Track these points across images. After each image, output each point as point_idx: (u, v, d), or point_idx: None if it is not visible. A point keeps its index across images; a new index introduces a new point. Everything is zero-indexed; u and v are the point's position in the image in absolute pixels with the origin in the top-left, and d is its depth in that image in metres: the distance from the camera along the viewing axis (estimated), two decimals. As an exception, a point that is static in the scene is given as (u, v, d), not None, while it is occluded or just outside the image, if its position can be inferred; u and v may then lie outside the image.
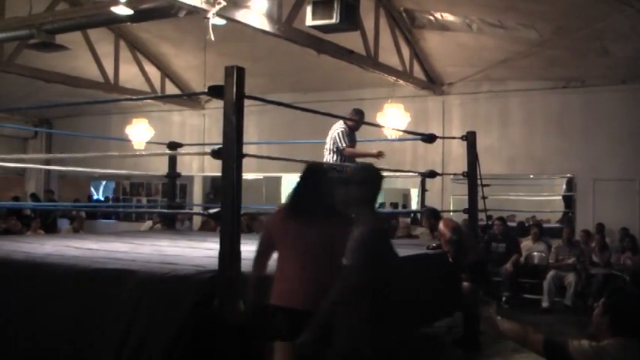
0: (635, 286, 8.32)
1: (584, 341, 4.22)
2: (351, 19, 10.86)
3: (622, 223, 14.65)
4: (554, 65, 15.12)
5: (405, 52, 15.42)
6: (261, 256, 5.67)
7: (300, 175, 5.79)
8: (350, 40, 12.99)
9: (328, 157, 10.11)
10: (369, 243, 4.87)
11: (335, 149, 10.13)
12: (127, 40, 16.94)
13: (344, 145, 10.02)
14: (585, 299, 13.05)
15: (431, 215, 10.57)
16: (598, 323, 4.35)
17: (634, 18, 12.17)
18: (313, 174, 5.84)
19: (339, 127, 10.06)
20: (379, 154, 10.15)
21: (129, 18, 11.58)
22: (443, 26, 14.45)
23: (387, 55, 14.58)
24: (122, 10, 11.04)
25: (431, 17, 14.32)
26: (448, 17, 14.08)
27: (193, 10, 10.52)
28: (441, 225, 9.96)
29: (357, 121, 10.22)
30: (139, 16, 11.64)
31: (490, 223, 14.09)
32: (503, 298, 13.46)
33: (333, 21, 10.64)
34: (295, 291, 5.34)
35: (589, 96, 15.59)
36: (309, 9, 10.88)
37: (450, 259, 9.71)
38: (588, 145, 15.55)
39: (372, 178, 5.23)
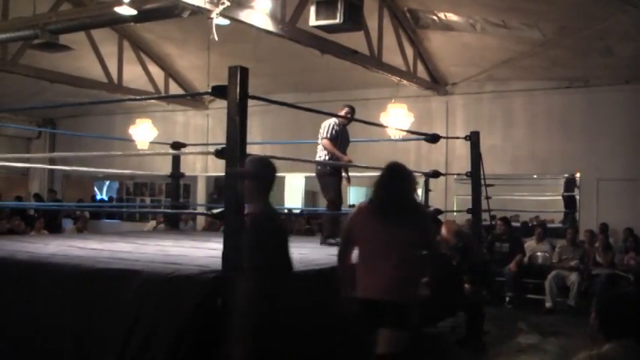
0: (639, 286, 8.31)
1: (582, 355, 4.20)
2: (354, 19, 10.86)
3: (625, 224, 14.65)
4: (557, 65, 15.11)
5: (409, 52, 15.41)
6: (345, 252, 6.00)
7: (382, 174, 6.03)
8: (353, 40, 12.99)
9: (318, 151, 10.01)
10: (257, 227, 5.34)
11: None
12: (131, 41, 16.95)
13: (324, 136, 9.83)
14: (589, 300, 13.05)
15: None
16: (592, 327, 4.34)
17: (637, 18, 12.16)
18: (396, 174, 6.02)
19: (330, 120, 9.93)
20: (348, 162, 10.03)
21: (132, 18, 11.59)
22: (446, 26, 14.44)
23: (391, 55, 14.58)
24: (126, 10, 11.06)
25: (434, 17, 14.32)
26: (452, 17, 14.08)
27: (197, 11, 10.53)
28: (444, 230, 9.92)
29: (348, 117, 10.04)
30: (143, 17, 11.66)
31: (493, 223, 14.10)
32: (507, 299, 13.46)
33: (337, 21, 10.64)
34: (380, 284, 5.62)
35: (592, 96, 15.58)
36: (312, 9, 10.89)
37: (454, 263, 9.72)
38: (592, 145, 15.54)
39: (263, 171, 5.55)
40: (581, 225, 15.71)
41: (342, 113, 9.92)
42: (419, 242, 5.83)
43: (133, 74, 17.26)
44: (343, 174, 10.10)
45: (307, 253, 8.40)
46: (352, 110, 10.06)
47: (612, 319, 4.20)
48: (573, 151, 15.76)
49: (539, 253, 14.42)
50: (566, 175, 16.73)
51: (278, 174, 5.66)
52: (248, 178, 5.53)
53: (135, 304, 5.83)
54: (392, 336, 5.59)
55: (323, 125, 9.85)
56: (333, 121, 9.83)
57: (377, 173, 6.15)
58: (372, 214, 5.82)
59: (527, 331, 11.13)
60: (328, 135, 9.77)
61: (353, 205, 20.52)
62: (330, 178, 9.86)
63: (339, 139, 9.89)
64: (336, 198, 9.92)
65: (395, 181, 5.92)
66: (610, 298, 4.44)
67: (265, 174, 5.51)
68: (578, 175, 16.17)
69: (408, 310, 5.66)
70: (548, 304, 13.19)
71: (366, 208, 5.98)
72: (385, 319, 5.57)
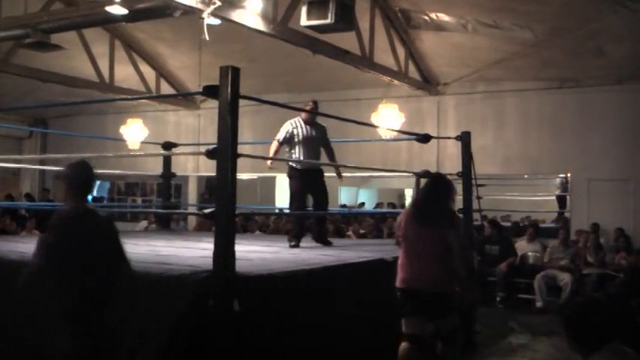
0: (628, 286, 8.35)
1: None
2: (346, 19, 10.87)
3: (616, 223, 14.69)
4: (549, 66, 15.14)
5: (401, 52, 15.42)
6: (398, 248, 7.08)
7: (425, 182, 7.49)
8: (345, 40, 13.00)
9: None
10: (54, 227, 5.46)
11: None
12: (123, 40, 16.92)
13: (275, 137, 9.78)
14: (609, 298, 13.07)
15: None
16: (569, 344, 4.29)
17: (629, 18, 12.19)
18: (435, 184, 7.21)
19: (289, 121, 9.83)
20: (269, 167, 10.23)
21: (124, 18, 11.59)
22: (438, 26, 14.45)
23: (383, 55, 14.59)
24: (117, 9, 11.06)
25: (426, 17, 14.33)
26: (443, 17, 14.09)
27: (188, 10, 10.53)
28: None
29: (311, 112, 9.81)
30: (134, 16, 11.66)
31: (484, 223, 14.14)
32: (498, 298, 13.49)
33: (329, 21, 10.64)
34: (416, 278, 6.72)
35: (584, 96, 15.62)
36: (304, 9, 10.89)
37: None
38: (583, 145, 15.58)
39: (74, 172, 5.64)
40: (572, 225, 15.76)
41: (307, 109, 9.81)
42: (445, 244, 6.69)
43: (125, 74, 17.24)
44: (333, 173, 10.09)
45: (298, 252, 8.43)
46: (315, 105, 9.87)
47: (588, 330, 4.13)
48: (564, 151, 15.80)
49: (530, 253, 14.44)
50: (561, 176, 16.77)
51: (270, 174, 5.66)
52: (62, 179, 5.77)
53: (126, 305, 5.82)
54: (428, 322, 6.79)
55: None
56: (290, 121, 9.78)
57: (368, 174, 6.30)
58: (409, 219, 6.90)
59: (519, 330, 11.14)
60: (278, 137, 9.74)
61: (344, 205, 20.65)
62: (291, 180, 9.82)
63: (298, 139, 9.73)
64: (294, 200, 9.82)
65: (433, 188, 7.11)
66: (577, 309, 4.34)
67: (76, 175, 5.61)
68: (569, 175, 16.23)
69: (448, 300, 6.76)
70: (538, 304, 13.22)
71: (408, 212, 7.11)
72: (427, 308, 6.70)
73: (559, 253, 13.85)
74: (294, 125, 9.69)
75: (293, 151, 9.71)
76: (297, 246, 9.34)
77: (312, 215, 10.40)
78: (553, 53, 14.39)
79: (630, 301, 6.69)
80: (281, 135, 9.68)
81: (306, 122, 9.79)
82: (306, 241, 9.91)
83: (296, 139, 9.66)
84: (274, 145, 9.66)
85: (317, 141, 9.90)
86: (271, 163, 9.83)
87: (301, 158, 9.60)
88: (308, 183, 9.71)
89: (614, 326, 4.15)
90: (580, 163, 15.60)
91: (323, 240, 9.97)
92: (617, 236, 14.36)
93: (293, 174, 9.71)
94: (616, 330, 4.14)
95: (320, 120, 9.96)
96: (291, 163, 9.72)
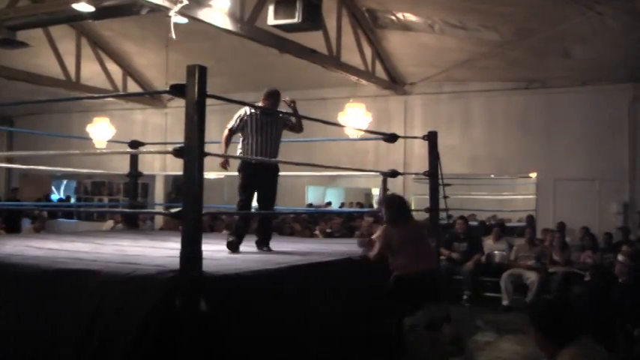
0: (596, 283, 8.45)
1: None
2: (313, 19, 10.88)
3: (582, 222, 14.82)
4: (515, 66, 15.25)
5: (368, 51, 15.47)
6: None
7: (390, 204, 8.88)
8: (312, 39, 13.02)
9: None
10: None
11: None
12: (89, 38, 16.84)
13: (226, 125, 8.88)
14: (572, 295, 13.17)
15: None
16: (537, 340, 4.36)
17: (595, 21, 12.30)
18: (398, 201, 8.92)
19: (244, 108, 8.83)
20: (222, 165, 8.69)
21: (91, 15, 11.52)
22: (405, 26, 14.50)
23: (350, 54, 14.63)
24: (84, 7, 10.98)
25: (393, 17, 14.37)
26: (410, 17, 14.14)
27: (155, 9, 10.51)
28: None
29: (265, 100, 8.91)
30: (101, 14, 11.59)
31: (451, 222, 14.18)
32: (464, 297, 13.55)
33: (296, 20, 10.66)
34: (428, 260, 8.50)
35: (550, 97, 15.78)
36: (271, 8, 10.90)
37: None
38: (549, 145, 15.74)
39: None
40: (538, 224, 15.88)
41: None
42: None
43: (91, 72, 17.14)
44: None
45: (265, 252, 8.43)
46: (271, 94, 8.96)
47: (557, 326, 4.21)
48: (531, 151, 15.94)
49: (496, 252, 14.54)
50: (529, 175, 16.88)
51: (237, 174, 5.65)
52: None
53: (93, 305, 5.79)
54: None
55: None
56: (245, 108, 8.80)
57: (335, 173, 6.26)
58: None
59: (485, 328, 11.20)
60: (230, 125, 8.88)
61: (311, 205, 20.63)
62: (240, 173, 8.95)
63: (252, 127, 8.76)
64: (240, 194, 8.92)
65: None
66: (546, 307, 4.43)
67: None
68: (535, 174, 16.34)
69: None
70: (505, 302, 13.31)
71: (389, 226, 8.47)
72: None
73: (525, 252, 13.97)
74: (247, 116, 8.75)
75: (246, 141, 8.79)
76: (235, 244, 8.74)
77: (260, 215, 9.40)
78: (519, 54, 14.49)
79: (597, 299, 6.75)
80: (233, 122, 8.81)
81: (265, 113, 8.82)
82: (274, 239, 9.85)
83: (249, 128, 8.75)
84: (224, 134, 8.84)
85: (275, 130, 8.93)
86: (223, 162, 8.69)
87: (254, 148, 8.73)
88: (257, 177, 8.82)
89: (583, 322, 4.23)
90: (546, 163, 15.76)
91: (264, 245, 8.90)
92: (583, 235, 14.47)
93: (242, 167, 8.87)
94: (584, 326, 4.22)
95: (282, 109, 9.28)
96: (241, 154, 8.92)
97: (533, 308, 4.59)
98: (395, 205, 8.74)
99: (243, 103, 7.99)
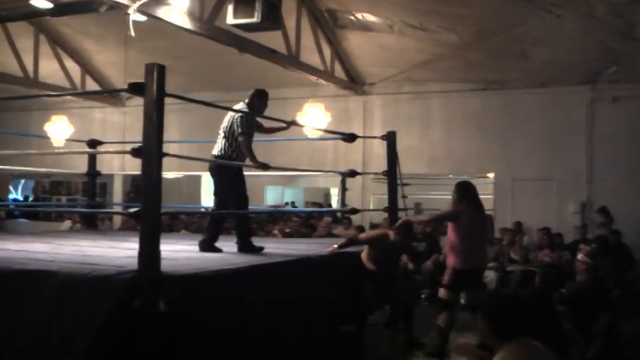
0: (544, 283, 8.53)
1: None
2: (272, 18, 10.89)
3: (540, 222, 14.92)
4: (474, 68, 15.35)
5: (327, 51, 15.49)
6: None
7: None
8: (272, 39, 13.02)
9: (220, 143, 8.71)
10: None
11: (230, 134, 8.58)
12: (48, 35, 16.69)
13: (240, 130, 8.41)
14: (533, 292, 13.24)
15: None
16: (482, 331, 4.42)
17: (552, 23, 12.40)
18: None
19: (241, 108, 8.65)
20: (264, 167, 8.54)
21: (49, 12, 11.45)
22: (365, 27, 14.53)
23: (309, 54, 14.64)
24: (43, 3, 10.94)
25: (353, 18, 14.40)
26: (370, 18, 14.17)
27: (114, 6, 10.46)
28: (363, 255, 9.70)
29: (257, 101, 8.79)
30: (60, 10, 11.53)
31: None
32: (423, 296, 13.60)
33: (255, 20, 10.66)
34: None
35: (508, 98, 15.92)
36: (230, 7, 10.89)
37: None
38: (507, 146, 15.88)
39: None
40: (496, 224, 16.00)
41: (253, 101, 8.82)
42: None
43: (50, 69, 16.99)
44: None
45: (224, 253, 8.42)
46: (263, 95, 8.89)
47: (504, 321, 4.28)
48: (489, 151, 16.07)
49: (455, 252, 14.60)
50: (488, 175, 16.99)
51: (196, 173, 5.64)
52: None
53: (52, 306, 5.75)
54: None
55: (233, 118, 8.56)
56: (243, 109, 8.63)
57: (295, 173, 6.23)
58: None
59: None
60: (245, 128, 8.54)
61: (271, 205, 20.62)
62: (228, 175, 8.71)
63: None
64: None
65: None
66: (498, 301, 4.51)
67: None
68: (493, 175, 16.46)
69: None
70: (462, 301, 13.37)
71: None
72: None
73: (483, 250, 14.04)
74: (250, 116, 8.63)
75: (235, 143, 8.56)
76: (207, 243, 8.73)
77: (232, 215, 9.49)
78: (478, 56, 14.59)
79: (549, 296, 6.83)
80: (248, 125, 8.53)
81: (256, 110, 8.76)
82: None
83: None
84: (247, 140, 8.50)
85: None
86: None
87: (238, 149, 8.57)
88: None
89: (530, 320, 4.30)
90: (504, 164, 15.90)
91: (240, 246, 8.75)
92: (542, 234, 14.59)
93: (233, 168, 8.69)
94: (532, 323, 4.28)
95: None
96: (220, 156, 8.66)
97: (487, 299, 4.66)
98: (469, 190, 9.09)
99: (202, 103, 7.95)
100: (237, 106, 8.65)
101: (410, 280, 10.51)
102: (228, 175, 8.59)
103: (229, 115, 8.65)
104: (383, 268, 9.36)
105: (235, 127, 8.47)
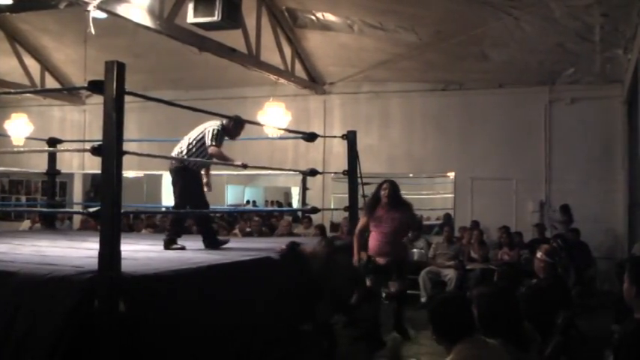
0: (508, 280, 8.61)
1: None
2: (232, 17, 10.90)
3: (499, 221, 15.08)
4: (433, 68, 15.45)
5: (287, 51, 15.51)
6: None
7: None
8: (232, 38, 13.02)
9: (183, 147, 8.87)
10: None
11: (200, 143, 8.75)
12: (6, 31, 16.54)
13: (212, 143, 8.63)
14: (464, 293, 13.35)
15: None
16: (433, 334, 4.47)
17: (511, 25, 12.55)
18: None
19: (215, 125, 8.86)
20: (244, 166, 8.96)
21: (8, 8, 11.40)
22: (324, 26, 14.58)
23: (269, 53, 14.65)
24: (1, -1, 10.85)
25: (312, 17, 14.44)
26: (330, 17, 14.22)
27: (74, 3, 10.41)
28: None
29: (233, 127, 9.04)
30: (19, 7, 11.47)
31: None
32: (384, 294, 13.65)
33: (215, 19, 10.67)
34: None
35: (467, 98, 16.08)
36: (190, 6, 10.90)
37: None
38: (466, 145, 16.03)
39: None
40: (456, 222, 16.13)
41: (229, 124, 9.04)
42: None
43: (9, 66, 16.86)
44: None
45: (183, 251, 8.41)
46: (239, 124, 9.16)
47: (448, 324, 4.32)
48: (448, 151, 16.21)
49: (414, 250, 14.67)
50: (447, 175, 17.10)
51: (156, 172, 5.64)
52: None
53: (11, 306, 5.71)
54: None
55: (207, 130, 8.86)
56: (218, 126, 8.86)
57: (255, 172, 6.23)
58: None
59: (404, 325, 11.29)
60: (216, 142, 8.78)
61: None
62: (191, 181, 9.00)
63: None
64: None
65: None
66: (438, 306, 4.54)
67: None
68: (453, 174, 16.57)
69: None
70: (423, 299, 13.47)
71: None
72: None
73: (444, 249, 14.14)
74: (222, 133, 8.87)
75: (204, 153, 8.80)
76: (171, 242, 8.82)
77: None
78: (437, 56, 14.70)
79: (506, 297, 6.88)
80: (219, 140, 8.77)
81: (228, 134, 9.05)
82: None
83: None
84: (221, 150, 8.80)
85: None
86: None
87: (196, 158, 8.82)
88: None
89: (472, 318, 4.35)
90: (463, 163, 16.04)
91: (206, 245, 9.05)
92: (501, 233, 14.72)
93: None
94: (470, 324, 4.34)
95: (206, 118, 9.27)
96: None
97: (429, 305, 4.71)
98: None
99: (162, 102, 7.94)
100: (213, 122, 8.88)
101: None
102: (187, 176, 8.84)
103: (202, 127, 8.87)
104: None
105: (207, 139, 8.68)
